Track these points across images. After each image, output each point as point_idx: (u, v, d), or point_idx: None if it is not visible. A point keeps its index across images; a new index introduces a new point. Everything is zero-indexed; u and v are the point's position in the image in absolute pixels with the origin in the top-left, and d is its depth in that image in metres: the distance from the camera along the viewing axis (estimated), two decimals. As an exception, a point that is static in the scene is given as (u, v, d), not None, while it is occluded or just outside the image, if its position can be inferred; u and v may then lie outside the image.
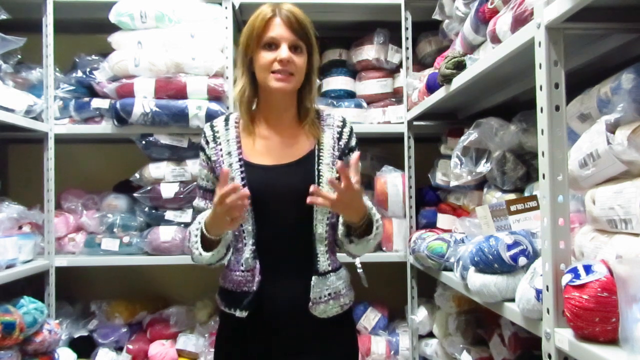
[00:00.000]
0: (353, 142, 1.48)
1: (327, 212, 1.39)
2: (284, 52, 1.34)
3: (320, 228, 1.39)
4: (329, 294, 1.40)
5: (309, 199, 1.24)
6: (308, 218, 1.38)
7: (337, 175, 1.37)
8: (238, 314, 1.37)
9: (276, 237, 1.38)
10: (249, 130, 1.43)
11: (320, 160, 1.40)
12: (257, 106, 1.45)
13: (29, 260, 2.17)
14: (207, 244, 1.35)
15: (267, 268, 1.37)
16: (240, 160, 1.40)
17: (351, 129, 1.49)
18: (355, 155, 1.28)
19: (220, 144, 1.43)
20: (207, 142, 1.45)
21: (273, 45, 1.35)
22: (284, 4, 1.38)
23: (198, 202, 1.48)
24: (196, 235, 1.36)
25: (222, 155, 1.42)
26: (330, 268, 1.42)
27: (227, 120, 1.47)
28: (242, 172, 1.38)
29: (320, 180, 1.38)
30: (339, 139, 1.45)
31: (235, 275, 1.40)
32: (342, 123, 1.48)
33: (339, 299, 1.42)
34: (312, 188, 1.24)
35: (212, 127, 1.47)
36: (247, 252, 1.37)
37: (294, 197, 1.34)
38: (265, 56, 1.35)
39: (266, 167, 1.39)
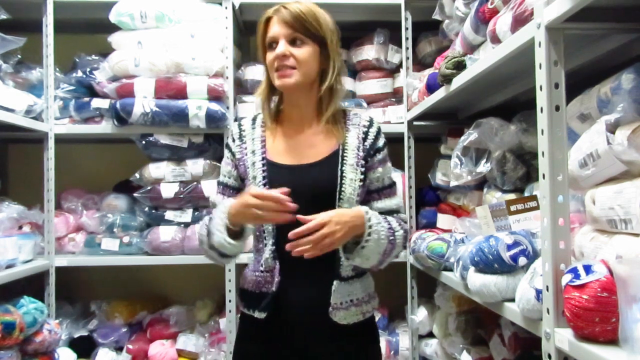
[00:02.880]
0: (380, 143, 1.44)
1: None
2: (279, 47, 1.34)
3: None
4: (351, 300, 1.37)
5: (287, 246, 1.23)
6: None
7: (362, 177, 1.37)
8: (257, 314, 1.36)
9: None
10: (273, 129, 1.43)
11: (344, 161, 1.37)
12: (282, 106, 1.46)
13: (29, 260, 2.17)
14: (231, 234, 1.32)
15: (287, 269, 1.35)
16: (263, 159, 1.39)
17: (378, 129, 1.46)
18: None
19: (245, 142, 1.43)
20: (234, 140, 1.45)
21: (274, 44, 1.36)
22: (287, 3, 1.37)
23: (216, 197, 1.47)
24: (221, 219, 1.30)
25: (246, 154, 1.41)
26: (353, 273, 1.39)
27: (254, 119, 1.47)
28: (264, 170, 1.37)
29: (343, 182, 1.35)
30: (365, 139, 1.42)
31: (255, 275, 1.39)
32: (368, 123, 1.45)
33: (361, 306, 1.39)
34: (290, 235, 1.21)
35: (239, 125, 1.47)
36: (267, 252, 1.36)
37: (316, 197, 1.33)
38: (268, 56, 1.37)
39: (288, 166, 1.38)
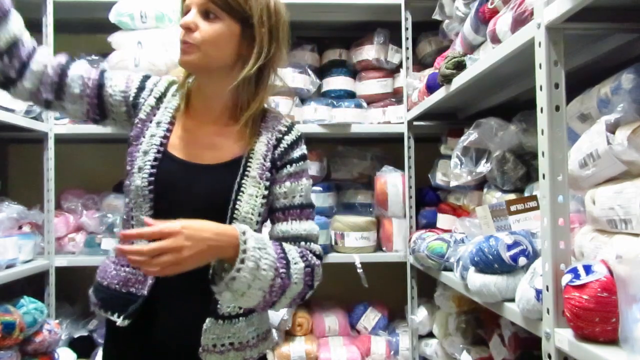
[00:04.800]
0: (295, 154, 1.17)
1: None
2: (186, 17, 1.09)
3: None
4: (231, 344, 1.11)
5: (116, 249, 0.99)
6: None
7: (265, 193, 1.12)
8: (119, 322, 1.10)
9: None
10: (182, 113, 1.18)
11: (247, 172, 1.12)
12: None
13: (29, 260, 2.17)
14: None
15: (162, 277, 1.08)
16: (165, 137, 1.15)
17: (298, 137, 1.19)
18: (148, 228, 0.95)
19: (159, 107, 1.18)
20: (151, 91, 1.19)
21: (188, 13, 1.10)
22: None
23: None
24: None
25: (151, 121, 1.16)
26: (241, 311, 1.12)
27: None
28: (157, 152, 1.13)
29: (240, 197, 1.10)
30: (276, 146, 1.15)
31: (123, 271, 1.13)
32: (286, 129, 1.18)
33: (244, 351, 1.13)
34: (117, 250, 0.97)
35: (168, 85, 1.21)
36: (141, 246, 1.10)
37: (204, 211, 1.05)
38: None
39: (182, 162, 1.14)
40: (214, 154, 1.14)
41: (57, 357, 2.09)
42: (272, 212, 1.17)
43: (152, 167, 1.12)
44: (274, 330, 2.27)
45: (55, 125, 2.34)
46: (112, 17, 2.27)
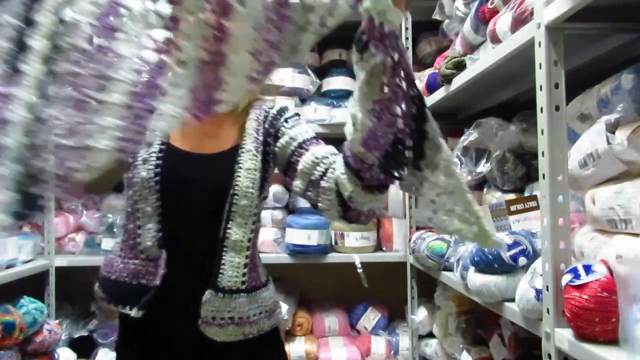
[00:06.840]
0: (287, 115, 1.21)
1: (251, 215, 1.14)
2: None
3: (239, 234, 1.13)
4: (230, 318, 1.12)
5: None
6: (222, 220, 1.13)
7: (261, 166, 1.16)
8: (133, 313, 1.13)
9: (183, 232, 1.15)
10: None
11: (242, 148, 1.16)
12: None
13: (29, 260, 2.17)
14: None
15: (172, 263, 1.13)
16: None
17: (282, 108, 1.23)
18: None
19: None
20: None
21: None
22: None
23: None
24: None
25: None
26: (243, 287, 1.14)
27: None
28: (161, 144, 1.15)
29: (239, 172, 1.14)
30: (265, 117, 1.21)
31: (132, 263, 1.16)
32: (272, 106, 1.25)
33: (244, 327, 1.14)
34: None
35: None
36: (149, 238, 1.13)
37: (209, 196, 1.14)
38: None
39: (185, 153, 1.17)
40: (215, 143, 1.18)
41: (57, 357, 2.09)
42: (291, 157, 1.15)
43: (158, 158, 1.14)
44: (283, 307, 2.26)
45: (55, 125, 2.34)
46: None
